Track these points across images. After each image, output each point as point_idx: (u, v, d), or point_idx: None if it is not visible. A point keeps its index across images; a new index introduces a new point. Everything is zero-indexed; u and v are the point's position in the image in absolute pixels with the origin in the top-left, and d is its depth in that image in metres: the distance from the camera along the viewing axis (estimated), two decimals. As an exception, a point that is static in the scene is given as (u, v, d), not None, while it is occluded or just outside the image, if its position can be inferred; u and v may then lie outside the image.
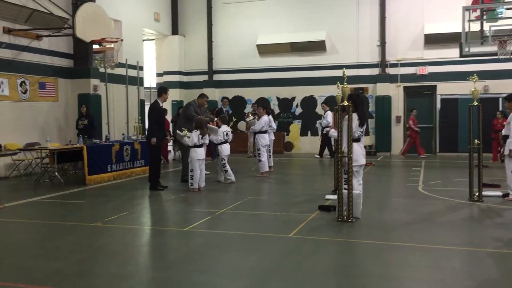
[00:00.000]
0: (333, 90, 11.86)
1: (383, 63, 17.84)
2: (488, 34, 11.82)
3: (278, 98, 19.17)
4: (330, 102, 17.66)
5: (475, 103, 8.26)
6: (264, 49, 18.77)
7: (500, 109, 15.95)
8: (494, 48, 12.02)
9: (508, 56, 12.06)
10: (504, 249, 5.49)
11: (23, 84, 12.72)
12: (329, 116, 16.42)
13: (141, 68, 16.23)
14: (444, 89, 17.31)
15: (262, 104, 14.45)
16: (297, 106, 18.88)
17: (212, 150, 13.70)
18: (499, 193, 8.70)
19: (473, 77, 8.33)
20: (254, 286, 4.39)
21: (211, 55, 19.78)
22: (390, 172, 13.56)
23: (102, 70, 14.23)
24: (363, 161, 7.17)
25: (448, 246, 5.54)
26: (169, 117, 15.78)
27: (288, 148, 19.00)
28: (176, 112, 16.43)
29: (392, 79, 17.82)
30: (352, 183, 6.67)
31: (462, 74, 15.46)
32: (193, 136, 9.64)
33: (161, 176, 10.21)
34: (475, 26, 12.30)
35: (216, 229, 6.56)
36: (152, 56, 20.78)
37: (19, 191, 10.06)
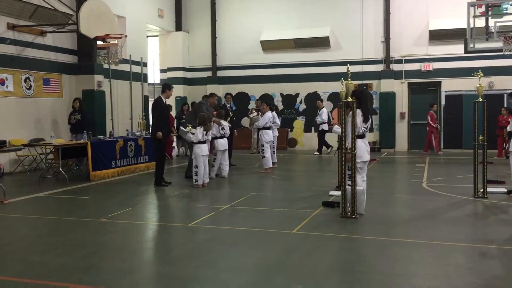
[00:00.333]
0: (337, 87, 11.82)
1: (387, 59, 17.78)
2: (493, 30, 11.76)
3: (281, 94, 19.15)
4: (334, 98, 17.74)
5: (480, 99, 8.23)
6: (268, 45, 18.74)
7: (505, 105, 15.89)
8: (499, 44, 11.96)
9: (513, 52, 11.99)
10: (509, 245, 5.47)
11: (27, 80, 12.75)
12: (324, 113, 16.60)
13: (145, 64, 16.23)
14: (449, 85, 17.25)
15: (266, 101, 14.46)
16: (300, 102, 18.85)
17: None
18: (504, 190, 8.67)
19: (478, 73, 8.30)
20: (258, 282, 4.40)
21: (215, 51, 19.77)
22: (394, 168, 13.54)
23: (106, 66, 14.24)
24: (367, 157, 7.15)
25: (452, 243, 5.54)
26: (173, 113, 15.78)
27: (292, 144, 18.99)
28: (180, 108, 16.44)
29: (397, 75, 17.77)
30: (356, 180, 6.67)
31: (467, 70, 15.40)
32: (197, 133, 9.65)
33: (165, 172, 10.22)
34: (480, 22, 12.23)
35: (220, 225, 6.57)
36: (156, 52, 20.77)
37: (23, 187, 10.10)
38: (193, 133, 9.67)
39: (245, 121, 18.46)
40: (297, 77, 18.65)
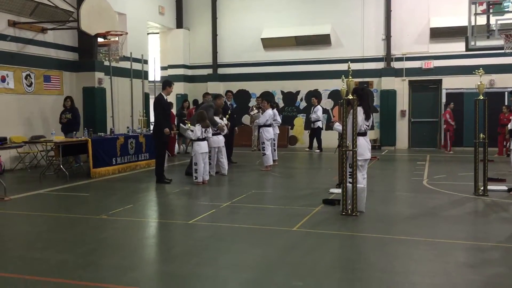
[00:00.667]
0: (338, 84, 11.81)
1: (388, 57, 17.76)
2: (494, 28, 11.74)
3: (282, 92, 19.13)
4: (334, 96, 17.73)
5: (481, 97, 8.22)
6: (269, 43, 18.72)
7: (506, 103, 15.88)
8: (500, 42, 11.93)
9: (514, 50, 11.97)
10: (509, 243, 5.48)
11: (28, 77, 12.74)
12: (320, 111, 16.73)
13: (145, 62, 16.22)
14: (450, 83, 17.22)
15: (267, 98, 14.46)
16: (301, 100, 18.83)
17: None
18: (505, 188, 8.68)
19: (479, 71, 8.29)
20: (259, 279, 4.40)
21: (215, 49, 19.75)
22: (394, 166, 13.54)
23: (106, 63, 14.23)
24: (368, 155, 7.15)
25: (452, 240, 5.53)
26: (174, 110, 15.76)
27: (292, 142, 18.99)
28: (180, 105, 16.44)
29: (397, 73, 17.74)
30: (357, 177, 6.66)
31: (468, 68, 15.38)
32: (196, 130, 9.65)
33: (165, 170, 10.23)
34: (482, 20, 12.21)
35: (220, 222, 6.57)
36: (157, 50, 20.76)
37: (24, 184, 10.11)
38: (192, 130, 9.68)
39: (245, 119, 18.47)
40: (298, 74, 18.63)
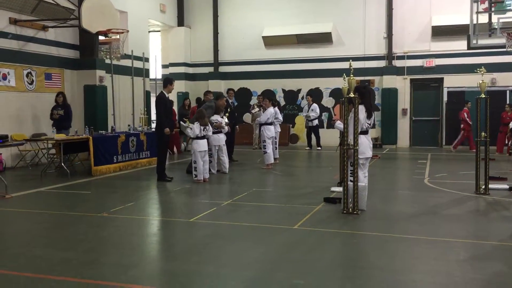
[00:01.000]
0: (339, 82, 11.82)
1: (389, 55, 17.73)
2: (496, 26, 11.73)
3: (283, 90, 19.13)
4: (336, 94, 17.72)
5: (483, 95, 8.20)
6: (270, 41, 18.71)
7: (508, 102, 15.85)
8: (502, 41, 11.91)
9: (516, 49, 11.95)
10: (510, 242, 5.47)
11: (29, 75, 12.74)
12: (317, 108, 16.99)
13: (146, 60, 16.21)
14: (451, 81, 17.20)
15: (268, 96, 14.45)
16: (302, 98, 18.82)
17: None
18: (506, 186, 8.66)
19: (480, 70, 8.27)
20: (260, 277, 4.40)
21: (216, 47, 19.74)
22: (396, 164, 13.53)
23: (108, 61, 14.22)
24: (369, 153, 7.15)
25: (453, 239, 5.53)
26: (175, 108, 15.74)
27: (294, 140, 18.99)
28: (182, 103, 16.44)
29: (399, 71, 17.72)
30: (358, 175, 6.66)
31: (469, 66, 15.32)
32: (195, 128, 9.65)
33: (167, 168, 10.23)
34: (483, 18, 12.19)
35: (221, 220, 6.57)
36: (158, 48, 20.75)
37: (25, 181, 10.12)
38: (191, 128, 9.69)
39: (247, 117, 18.46)
40: (299, 73, 18.62)
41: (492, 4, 12.33)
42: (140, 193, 8.72)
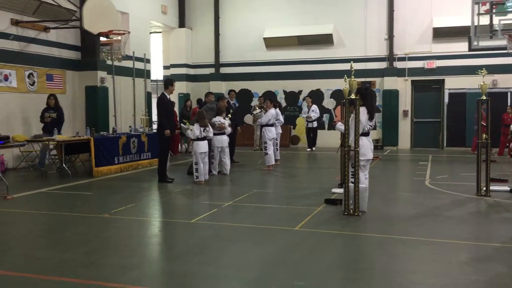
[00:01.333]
0: (340, 84, 11.80)
1: (390, 57, 17.73)
2: (497, 28, 11.71)
3: (284, 92, 19.14)
4: (337, 95, 17.73)
5: (484, 97, 8.20)
6: (271, 42, 18.72)
7: (509, 103, 15.84)
8: (503, 42, 11.91)
9: (517, 50, 11.95)
10: (511, 243, 5.46)
11: (31, 76, 12.76)
12: (317, 109, 17.13)
13: (148, 61, 16.23)
14: (452, 83, 17.19)
15: (270, 98, 14.46)
16: (303, 99, 18.82)
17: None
18: (507, 188, 8.65)
19: (481, 71, 8.27)
20: (261, 278, 4.40)
21: (218, 48, 19.76)
22: (397, 166, 13.53)
23: (109, 62, 14.24)
24: (370, 155, 7.15)
25: (454, 241, 5.53)
26: (176, 109, 15.76)
27: (295, 141, 18.99)
28: (183, 104, 16.44)
29: (400, 73, 17.72)
30: (359, 177, 6.66)
31: (470, 68, 15.33)
32: (195, 129, 9.66)
33: (168, 169, 10.24)
34: (484, 20, 12.18)
35: (222, 221, 6.58)
36: (159, 49, 20.77)
37: (27, 182, 10.14)
38: (191, 130, 9.70)
39: (248, 118, 18.46)
40: (300, 74, 18.63)
41: (493, 6, 12.31)
42: (141, 194, 8.72)
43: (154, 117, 14.29)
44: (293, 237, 5.73)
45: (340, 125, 7.50)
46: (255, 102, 18.42)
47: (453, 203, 7.72)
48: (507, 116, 14.89)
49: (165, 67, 20.45)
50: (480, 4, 12.08)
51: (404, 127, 17.81)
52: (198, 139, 9.70)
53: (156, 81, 18.07)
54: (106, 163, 10.96)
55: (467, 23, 12.38)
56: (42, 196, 8.65)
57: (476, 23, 11.81)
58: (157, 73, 19.76)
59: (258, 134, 15.96)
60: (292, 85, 18.96)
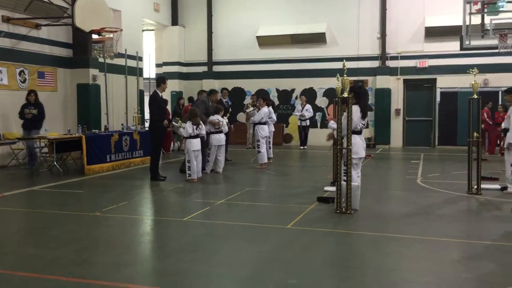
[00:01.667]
0: (333, 83, 11.82)
1: (383, 56, 17.79)
2: (489, 27, 11.78)
3: (277, 90, 19.14)
4: (330, 94, 17.77)
5: (475, 96, 8.25)
6: (264, 41, 18.71)
7: (500, 102, 15.94)
8: (494, 42, 11.98)
9: (508, 50, 12.02)
10: (502, 241, 5.51)
11: (22, 73, 12.67)
12: (311, 108, 17.34)
13: (140, 59, 16.16)
14: (444, 82, 17.29)
15: (262, 96, 14.47)
16: (296, 98, 18.84)
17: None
18: (498, 186, 8.72)
19: (473, 70, 8.31)
20: (253, 276, 4.40)
21: (211, 46, 19.72)
22: (389, 164, 13.58)
23: (101, 60, 14.17)
24: (363, 154, 7.17)
25: (446, 238, 5.56)
26: (169, 107, 15.71)
27: (287, 140, 19.01)
28: (176, 103, 16.41)
29: (392, 71, 17.79)
30: (351, 175, 6.67)
31: (462, 67, 15.41)
32: (187, 127, 9.64)
33: (161, 167, 10.21)
34: (476, 19, 12.25)
35: (215, 219, 6.57)
36: (152, 47, 20.70)
37: (18, 180, 10.06)
38: (183, 128, 9.67)
39: (241, 116, 18.45)
40: (293, 72, 18.64)
41: (485, 5, 12.39)
42: (133, 192, 8.69)
43: (147, 115, 14.21)
44: (286, 235, 5.73)
45: (333, 124, 7.51)
46: (248, 100, 18.43)
47: (444, 201, 7.76)
48: (498, 115, 14.98)
49: (158, 65, 20.38)
50: (472, 4, 12.15)
51: (396, 126, 17.89)
52: (190, 137, 9.68)
53: (148, 79, 18.00)
54: (98, 161, 10.90)
55: (459, 22, 12.45)
56: (33, 194, 8.60)
57: (467, 23, 11.88)
58: (150, 71, 19.69)
59: (250, 132, 15.96)
60: (285, 84, 18.97)
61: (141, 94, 16.43)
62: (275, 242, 5.46)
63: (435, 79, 17.45)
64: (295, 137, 18.80)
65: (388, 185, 10.03)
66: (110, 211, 6.97)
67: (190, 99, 15.73)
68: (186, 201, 8.13)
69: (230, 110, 11.77)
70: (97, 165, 10.87)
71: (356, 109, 6.84)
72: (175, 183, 9.57)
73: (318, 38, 18.14)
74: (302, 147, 17.15)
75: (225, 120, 10.91)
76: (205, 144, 10.40)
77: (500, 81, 16.32)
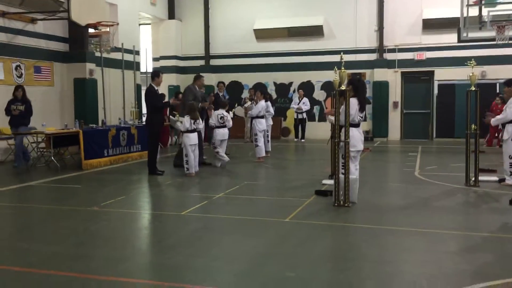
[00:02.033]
0: (331, 75, 11.77)
1: (380, 49, 17.76)
2: (486, 19, 11.77)
3: (275, 83, 19.10)
4: (327, 87, 17.75)
5: (473, 88, 8.24)
6: (262, 34, 18.64)
7: (500, 94, 15.93)
8: (492, 34, 11.97)
9: (506, 42, 12.02)
10: (500, 233, 5.52)
11: (18, 68, 12.61)
12: (308, 102, 17.50)
13: (137, 53, 16.10)
14: (442, 74, 17.28)
15: (260, 89, 14.43)
16: (294, 91, 18.80)
17: (208, 134, 13.68)
18: (496, 178, 8.73)
19: (471, 63, 8.30)
20: (251, 270, 4.40)
21: (208, 40, 19.64)
22: (387, 157, 13.59)
23: (98, 54, 14.12)
24: (361, 146, 7.15)
25: (443, 230, 5.57)
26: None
27: (285, 133, 18.99)
28: (173, 96, 16.34)
29: (390, 64, 17.76)
30: (349, 168, 6.67)
31: (460, 59, 15.36)
32: (185, 121, 9.62)
33: (158, 161, 10.19)
34: (474, 11, 12.23)
35: (213, 213, 6.57)
36: (149, 41, 20.61)
37: (15, 175, 10.04)
38: (181, 122, 9.65)
39: (238, 110, 18.41)
40: (291, 66, 18.59)
41: (482, -3, 12.38)
42: (131, 187, 8.68)
43: (144, 109, 14.18)
44: (284, 229, 5.74)
45: (332, 117, 7.48)
46: (245, 94, 18.40)
47: (442, 193, 7.77)
48: (496, 106, 14.98)
49: (155, 59, 20.29)
50: (470, -4, 12.13)
51: (394, 119, 17.89)
52: (188, 131, 9.66)
53: (145, 73, 17.92)
54: (95, 156, 10.88)
55: (457, 14, 12.44)
56: (31, 189, 8.58)
57: (465, 15, 11.87)
58: (147, 65, 19.61)
59: (248, 126, 15.94)
60: (283, 77, 18.93)
61: (138, 88, 16.38)
62: (273, 236, 5.46)
63: (433, 72, 17.44)
64: (292, 131, 18.78)
65: (386, 177, 10.04)
66: (108, 206, 6.96)
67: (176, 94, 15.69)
68: (184, 196, 8.12)
69: (236, 106, 11.81)
70: (95, 160, 10.85)
71: (354, 102, 6.82)
72: (173, 177, 9.56)
73: (315, 31, 18.09)
74: (296, 139, 17.27)
75: (230, 115, 10.93)
76: (208, 139, 10.48)
77: (498, 73, 16.31)
